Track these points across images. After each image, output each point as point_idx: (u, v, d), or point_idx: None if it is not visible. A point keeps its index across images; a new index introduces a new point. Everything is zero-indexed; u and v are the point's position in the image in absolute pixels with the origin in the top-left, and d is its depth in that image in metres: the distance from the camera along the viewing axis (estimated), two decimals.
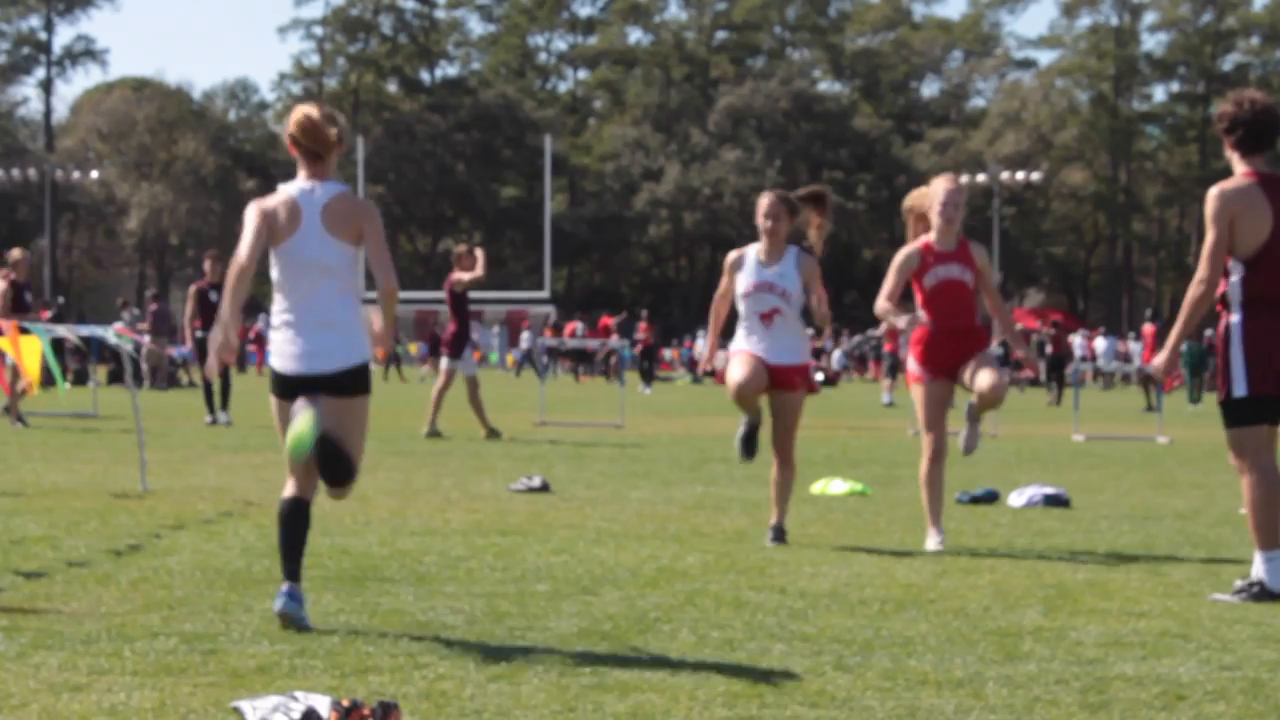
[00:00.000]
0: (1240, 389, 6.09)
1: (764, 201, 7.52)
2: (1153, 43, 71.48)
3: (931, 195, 7.50)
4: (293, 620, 5.12)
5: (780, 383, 7.52)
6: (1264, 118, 6.12)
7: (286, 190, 5.35)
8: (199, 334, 16.59)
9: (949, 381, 7.51)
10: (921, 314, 7.46)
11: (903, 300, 7.58)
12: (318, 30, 70.84)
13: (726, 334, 8.33)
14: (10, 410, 15.25)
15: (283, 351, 5.22)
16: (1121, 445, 15.76)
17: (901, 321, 7.34)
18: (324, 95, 71.54)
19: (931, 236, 7.52)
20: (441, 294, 16.45)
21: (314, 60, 71.68)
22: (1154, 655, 5.01)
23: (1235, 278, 6.13)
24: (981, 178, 54.20)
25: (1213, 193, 6.13)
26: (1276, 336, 6.10)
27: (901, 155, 68.07)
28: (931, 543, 7.46)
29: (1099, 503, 9.96)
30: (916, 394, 7.57)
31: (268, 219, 5.25)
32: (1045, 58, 73.79)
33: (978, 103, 74.72)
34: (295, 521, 5.23)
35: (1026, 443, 15.84)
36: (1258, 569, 6.14)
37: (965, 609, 5.75)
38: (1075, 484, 11.07)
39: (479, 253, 15.31)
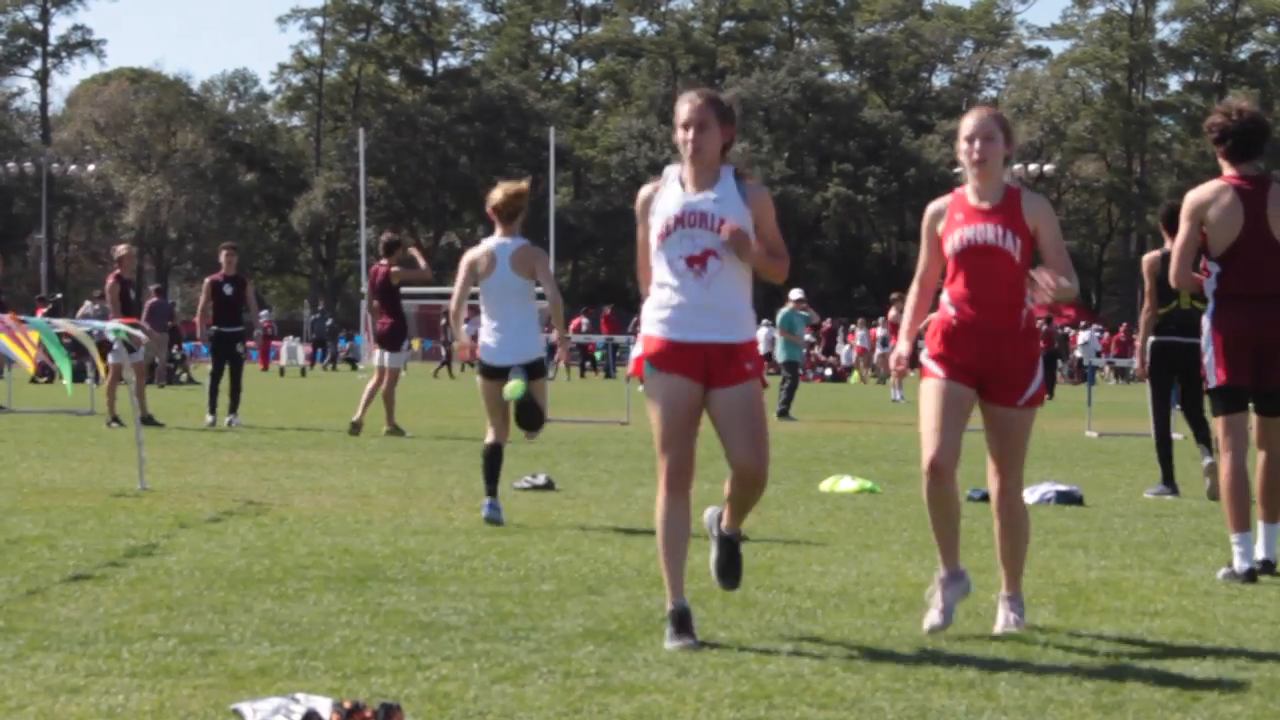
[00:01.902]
0: (1215, 379, 6.61)
1: (685, 107, 5.13)
2: (1167, 31, 71.39)
3: (960, 130, 5.32)
4: (496, 522, 7.80)
5: (720, 375, 4.96)
6: (1251, 127, 6.61)
7: (487, 244, 8.11)
8: (212, 329, 15.96)
9: (969, 387, 5.19)
10: (945, 296, 5.28)
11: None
12: (318, 20, 70.87)
13: None
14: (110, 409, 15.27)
15: (492, 349, 7.97)
16: (1135, 442, 15.66)
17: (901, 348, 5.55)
18: (324, 86, 71.61)
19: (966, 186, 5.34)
20: (444, 289, 16.33)
21: (314, 51, 71.71)
22: (1169, 655, 4.95)
23: (1212, 275, 6.63)
24: None
25: (1187, 195, 6.75)
26: (1246, 331, 6.57)
27: (912, 147, 67.99)
28: (931, 613, 5.29)
29: (1112, 500, 9.89)
30: (923, 391, 5.29)
31: (472, 266, 8.04)
32: (1058, 47, 73.82)
33: (989, 93, 74.63)
34: (495, 458, 8.01)
35: (1038, 439, 15.71)
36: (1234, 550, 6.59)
37: (976, 608, 5.68)
38: (1088, 481, 11.00)
39: (415, 252, 15.30)
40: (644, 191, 5.25)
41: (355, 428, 14.41)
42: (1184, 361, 9.92)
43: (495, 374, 7.95)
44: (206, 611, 5.38)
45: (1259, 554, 6.68)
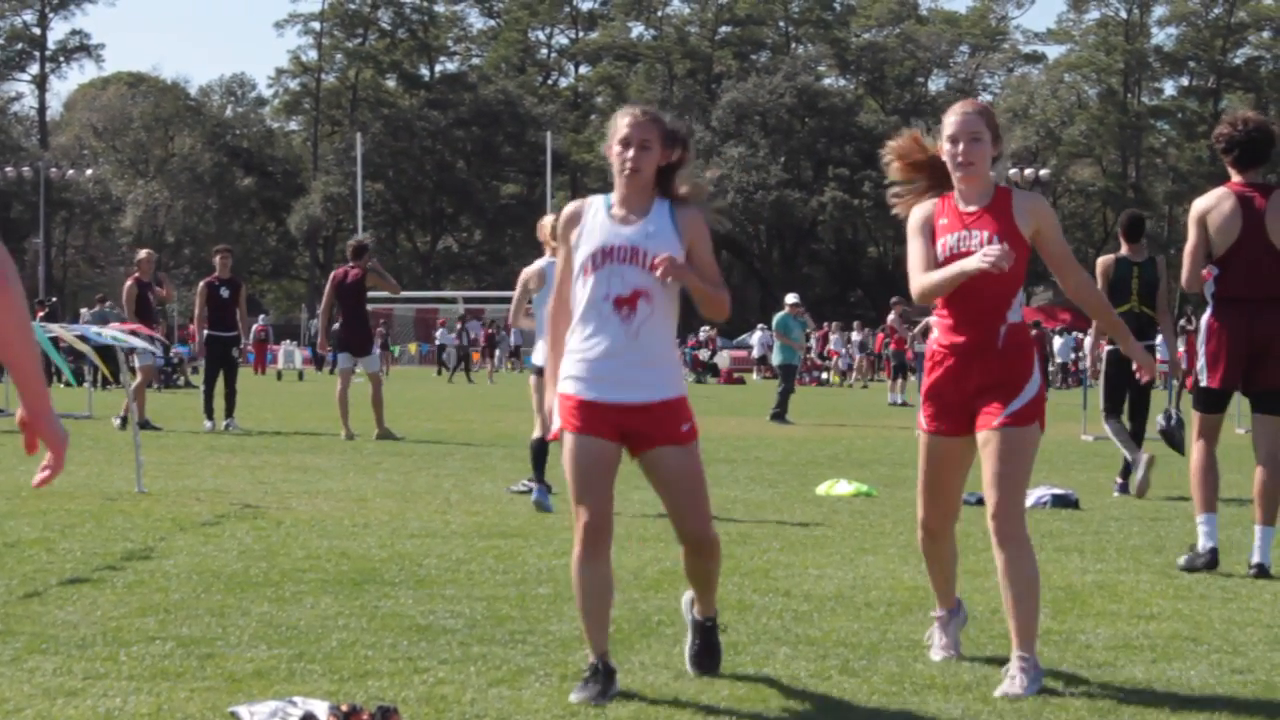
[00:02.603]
0: (1206, 380, 6.92)
1: (625, 121, 4.46)
2: (1162, 36, 71.49)
3: (943, 129, 4.70)
4: (544, 508, 8.62)
5: (651, 436, 4.38)
6: (1257, 136, 6.85)
7: (539, 264, 9.19)
8: (206, 332, 15.82)
9: (960, 436, 4.65)
10: (932, 317, 4.81)
11: None
12: (315, 25, 70.86)
13: None
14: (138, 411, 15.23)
15: (543, 353, 8.10)
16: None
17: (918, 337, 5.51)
18: (321, 91, 71.60)
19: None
20: (442, 292, 16.32)
21: (311, 55, 71.72)
22: (1164, 658, 4.95)
23: (1211, 278, 6.90)
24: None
25: (1193, 203, 7.04)
26: (1240, 334, 6.82)
27: None
28: (935, 650, 4.96)
29: (1108, 504, 9.90)
30: (919, 442, 4.85)
31: (525, 283, 9.24)
32: (1053, 52, 73.80)
33: (985, 97, 74.68)
34: (542, 450, 8.83)
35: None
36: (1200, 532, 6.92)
37: (972, 612, 5.68)
38: (1084, 484, 11.00)
39: (377, 265, 15.40)
40: (570, 208, 4.53)
41: (349, 437, 14.45)
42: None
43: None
44: (204, 614, 5.38)
45: (1254, 558, 6.77)
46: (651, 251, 4.35)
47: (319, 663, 4.68)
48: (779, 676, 4.62)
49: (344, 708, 3.98)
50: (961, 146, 4.54)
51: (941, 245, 4.61)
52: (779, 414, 19.34)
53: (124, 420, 15.16)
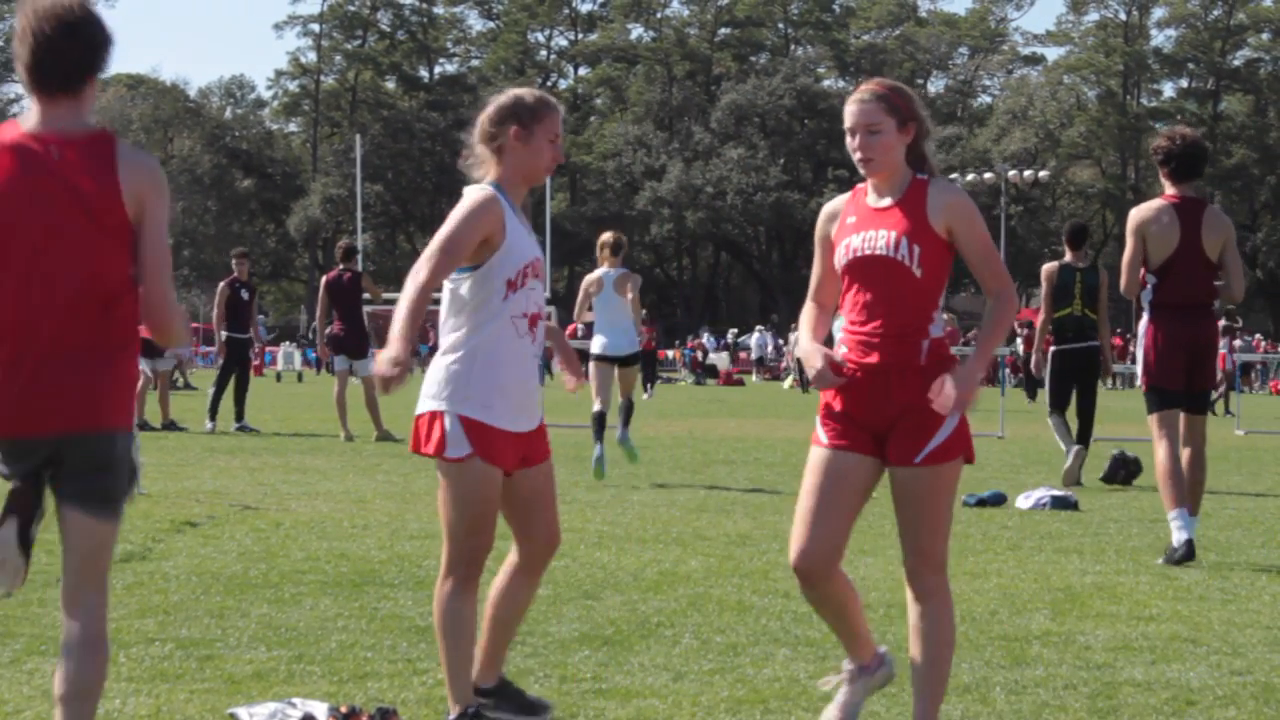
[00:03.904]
0: (1150, 381, 7.34)
1: (557, 116, 4.11)
2: (1161, 38, 71.46)
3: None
4: (600, 469, 10.71)
5: (534, 453, 4.08)
6: (1193, 151, 7.31)
7: (598, 272, 10.98)
8: (224, 334, 15.84)
9: (864, 454, 3.90)
10: (837, 325, 4.11)
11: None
12: (315, 27, 70.84)
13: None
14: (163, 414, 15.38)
15: (603, 343, 10.93)
16: (1130, 447, 15.65)
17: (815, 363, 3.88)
18: (321, 92, 71.59)
19: None
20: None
21: (311, 57, 71.68)
22: (1163, 660, 4.95)
23: (1149, 286, 7.34)
24: (988, 175, 54.21)
25: (1130, 213, 7.43)
26: (1177, 338, 7.29)
27: None
28: (830, 710, 4.11)
29: (1107, 505, 9.89)
30: (808, 460, 4.03)
31: (587, 288, 10.99)
32: (1052, 54, 73.71)
33: (984, 100, 74.71)
34: (601, 420, 10.90)
35: (1034, 445, 15.77)
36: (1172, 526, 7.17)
37: (972, 613, 5.69)
38: (1083, 486, 11.00)
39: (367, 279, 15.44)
40: (493, 209, 3.93)
41: (348, 438, 14.48)
42: (1080, 364, 11.14)
43: (605, 361, 10.98)
44: (203, 616, 5.38)
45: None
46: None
47: (318, 664, 4.68)
48: (779, 677, 4.62)
49: (343, 709, 3.98)
50: (858, 140, 3.87)
51: (845, 248, 3.88)
52: None
53: (170, 423, 15.49)
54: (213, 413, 15.72)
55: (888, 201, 3.88)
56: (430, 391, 3.97)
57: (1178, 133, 7.47)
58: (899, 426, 3.81)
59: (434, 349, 4.18)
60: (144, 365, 14.95)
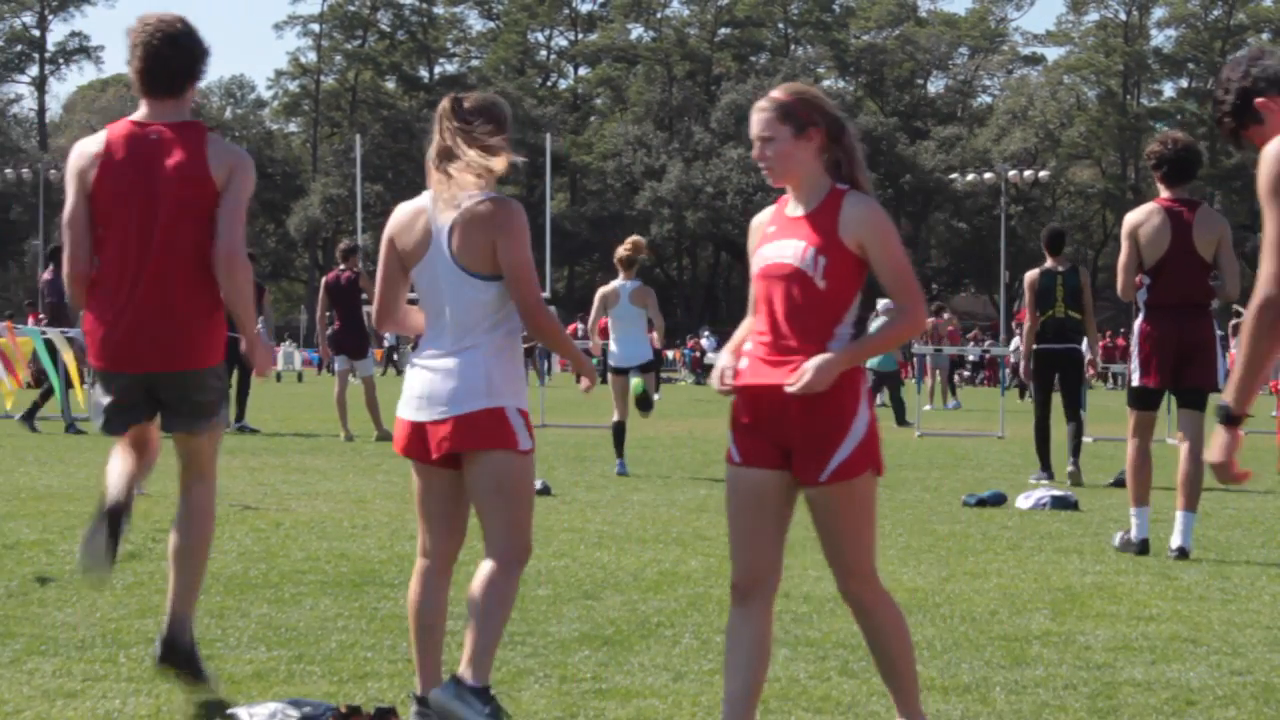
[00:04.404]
0: (1135, 379, 7.62)
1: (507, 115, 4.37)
2: (1161, 38, 71.47)
3: None
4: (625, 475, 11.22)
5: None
6: (1185, 155, 7.49)
7: (615, 284, 11.45)
8: (230, 335, 16.16)
9: (773, 468, 3.77)
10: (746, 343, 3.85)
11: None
12: (315, 27, 70.83)
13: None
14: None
15: (618, 355, 11.37)
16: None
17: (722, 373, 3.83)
18: (321, 92, 71.58)
19: None
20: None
21: (311, 57, 71.68)
22: (1163, 660, 4.95)
23: (1143, 287, 7.55)
24: (988, 175, 54.19)
25: (1125, 216, 7.70)
26: (1169, 338, 7.51)
27: (907, 153, 68.02)
28: None
29: (1108, 505, 9.90)
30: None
31: (603, 299, 11.44)
32: (1052, 54, 73.70)
33: (984, 99, 74.69)
34: (621, 431, 11.55)
35: (1033, 445, 15.76)
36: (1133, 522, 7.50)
37: (972, 613, 5.69)
38: (1083, 486, 11.00)
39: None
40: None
41: (348, 438, 14.49)
42: (1061, 365, 11.52)
43: (620, 372, 11.37)
44: (203, 616, 5.37)
45: (1175, 541, 7.27)
46: None
47: (318, 664, 4.68)
48: (779, 677, 4.61)
49: (343, 709, 3.98)
50: (756, 150, 3.78)
51: (759, 257, 3.78)
52: (901, 418, 19.29)
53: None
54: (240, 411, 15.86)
55: (800, 212, 3.77)
56: (479, 389, 3.97)
57: (1170, 137, 7.68)
58: (801, 444, 3.69)
59: (414, 347, 4.23)
60: None
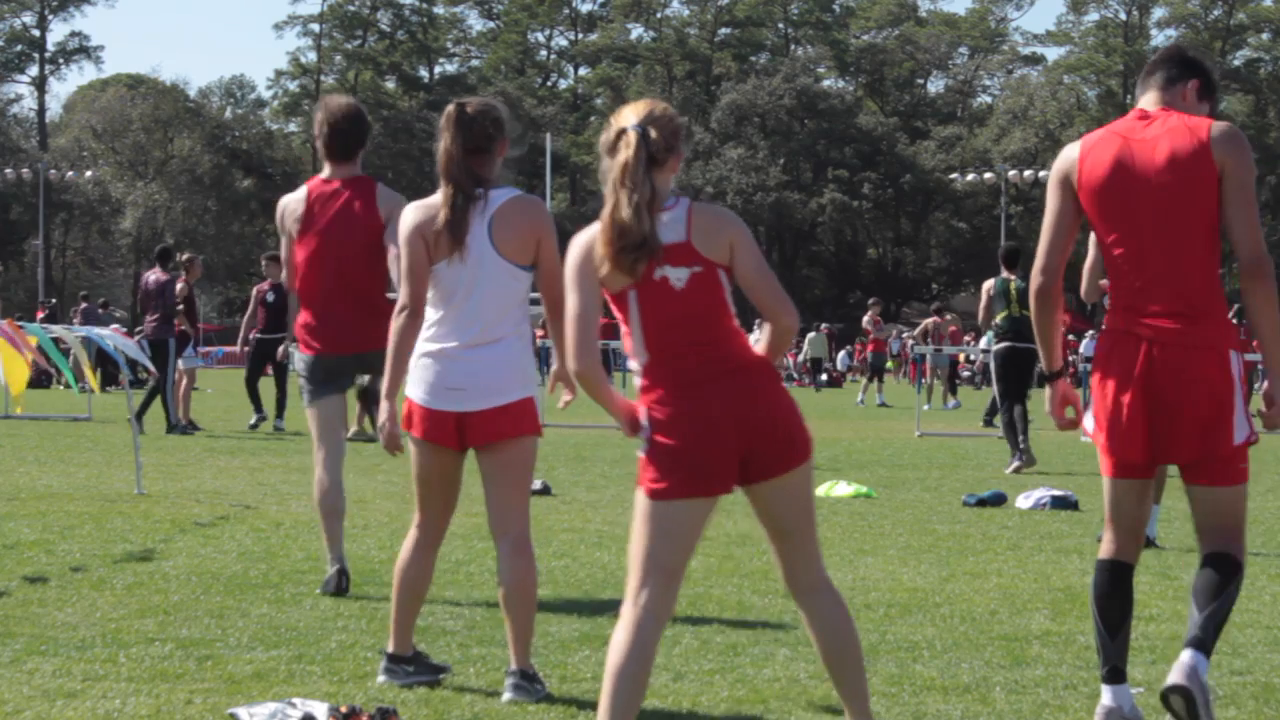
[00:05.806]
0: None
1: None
2: (1161, 38, 71.39)
3: None
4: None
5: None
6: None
7: None
8: (255, 336, 16.67)
9: (697, 497, 3.76)
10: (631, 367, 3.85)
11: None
12: (315, 27, 70.84)
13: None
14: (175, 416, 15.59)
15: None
16: None
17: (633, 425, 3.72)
18: (321, 92, 71.57)
19: None
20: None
21: (311, 57, 71.68)
22: (1163, 659, 4.96)
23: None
24: (988, 175, 54.17)
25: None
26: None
27: (907, 153, 68.06)
28: None
29: None
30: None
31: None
32: (1053, 53, 73.69)
33: (984, 99, 74.68)
34: None
35: (1033, 444, 15.77)
36: None
37: (972, 613, 5.69)
38: (1083, 486, 11.00)
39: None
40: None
41: (355, 436, 14.62)
42: (1020, 361, 12.28)
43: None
44: (203, 616, 5.38)
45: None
46: None
47: (318, 664, 4.68)
48: (779, 677, 4.61)
49: (343, 709, 3.98)
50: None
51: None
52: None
53: (184, 424, 15.64)
54: (256, 406, 16.44)
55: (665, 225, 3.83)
56: (517, 379, 4.41)
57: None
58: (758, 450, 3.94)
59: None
60: (180, 364, 15.65)
